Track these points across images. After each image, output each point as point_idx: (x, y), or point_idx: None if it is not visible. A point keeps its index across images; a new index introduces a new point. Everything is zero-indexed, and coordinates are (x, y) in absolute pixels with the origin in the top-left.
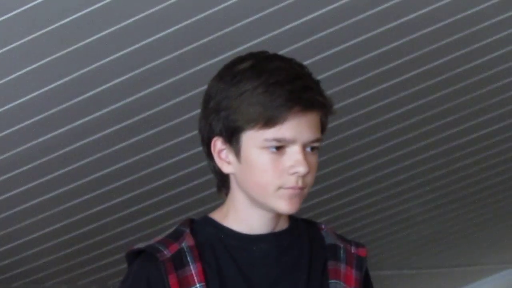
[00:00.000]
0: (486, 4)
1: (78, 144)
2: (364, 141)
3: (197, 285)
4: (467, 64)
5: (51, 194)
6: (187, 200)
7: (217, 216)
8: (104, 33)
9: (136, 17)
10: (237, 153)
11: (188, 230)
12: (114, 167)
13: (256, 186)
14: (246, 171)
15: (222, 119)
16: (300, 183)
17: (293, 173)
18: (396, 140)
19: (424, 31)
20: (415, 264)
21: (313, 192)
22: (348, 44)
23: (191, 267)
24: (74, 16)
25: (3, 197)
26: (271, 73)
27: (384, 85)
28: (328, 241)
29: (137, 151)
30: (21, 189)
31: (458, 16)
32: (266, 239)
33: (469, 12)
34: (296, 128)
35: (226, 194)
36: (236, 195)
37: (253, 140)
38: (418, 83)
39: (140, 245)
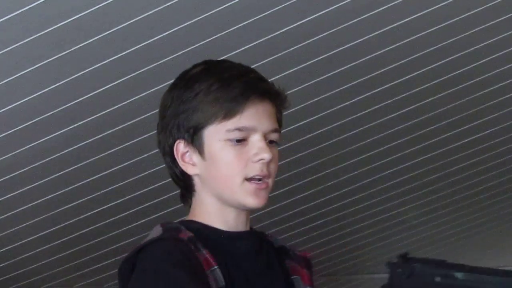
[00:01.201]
0: (479, 9)
1: (73, 148)
2: (359, 144)
3: (215, 267)
4: (462, 68)
5: (46, 197)
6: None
7: (193, 217)
8: (99, 36)
9: (131, 21)
10: (201, 151)
11: (182, 226)
12: (109, 171)
13: (222, 181)
14: (211, 167)
15: (182, 121)
16: (264, 170)
17: (258, 161)
18: (391, 144)
19: (418, 35)
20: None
21: (310, 193)
22: (341, 48)
23: (203, 251)
24: (69, 20)
25: None
26: (224, 70)
27: (378, 90)
28: (277, 244)
29: (133, 154)
30: (16, 192)
31: (452, 21)
32: (244, 237)
33: (463, 16)
34: (255, 117)
35: (190, 198)
36: (204, 197)
37: (215, 134)
38: (412, 88)
39: (151, 238)
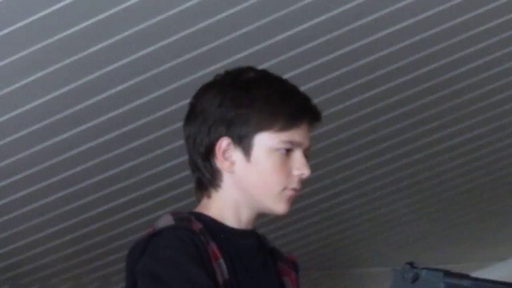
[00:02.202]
0: (468, 15)
1: (80, 149)
2: (353, 145)
3: (221, 260)
4: (452, 72)
5: (56, 196)
6: (188, 200)
7: (204, 210)
8: (106, 43)
9: (136, 28)
10: (247, 153)
11: (193, 217)
12: (116, 170)
13: (261, 184)
14: (253, 169)
15: (235, 122)
16: (300, 185)
17: (298, 175)
18: (383, 145)
19: (408, 42)
20: (402, 261)
21: (305, 192)
22: (335, 54)
23: (212, 244)
24: (77, 28)
25: (11, 198)
26: (280, 82)
27: (370, 93)
28: (270, 245)
29: (138, 154)
30: (27, 191)
31: (439, 29)
32: (248, 235)
33: (452, 23)
34: (303, 134)
35: (208, 192)
36: (230, 194)
37: (268, 141)
38: (403, 91)
39: (163, 225)
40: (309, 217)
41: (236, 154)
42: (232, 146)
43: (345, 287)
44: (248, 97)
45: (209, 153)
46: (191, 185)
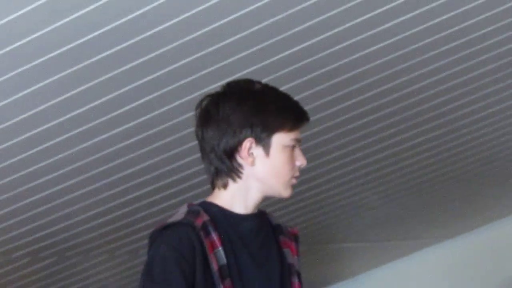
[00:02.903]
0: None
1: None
2: (331, 146)
3: (219, 248)
4: (412, 74)
5: (101, 183)
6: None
7: (214, 200)
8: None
9: (139, 11)
10: (267, 150)
11: (201, 209)
12: (148, 148)
13: (276, 175)
14: (271, 164)
15: (256, 126)
16: (299, 174)
17: (299, 166)
18: (357, 145)
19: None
20: (371, 238)
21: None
22: (311, 59)
23: (213, 234)
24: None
25: (64, 185)
26: (279, 91)
27: (343, 92)
28: (274, 222)
29: (168, 134)
30: (76, 179)
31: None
32: (251, 218)
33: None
34: (299, 132)
35: (223, 183)
36: (249, 184)
37: (282, 139)
38: (372, 89)
39: (173, 219)
40: (296, 203)
41: (257, 151)
42: (254, 145)
43: (325, 259)
44: (265, 105)
45: (233, 151)
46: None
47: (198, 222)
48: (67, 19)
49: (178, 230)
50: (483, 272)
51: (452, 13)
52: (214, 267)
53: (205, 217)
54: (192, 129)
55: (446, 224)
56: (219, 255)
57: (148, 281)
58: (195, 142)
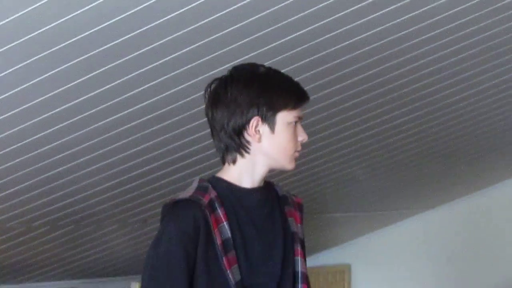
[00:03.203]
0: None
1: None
2: (321, 125)
3: (224, 223)
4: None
5: (115, 157)
6: None
7: (223, 175)
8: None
9: (150, 2)
10: (272, 128)
11: (210, 185)
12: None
13: (281, 150)
14: (276, 139)
15: (262, 106)
16: (300, 148)
17: (301, 140)
18: (346, 124)
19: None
20: (358, 208)
21: None
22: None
23: (219, 210)
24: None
25: (84, 159)
26: (281, 73)
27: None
28: (281, 193)
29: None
30: (92, 155)
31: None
32: (257, 191)
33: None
34: (301, 111)
35: (233, 158)
36: (257, 159)
37: (286, 117)
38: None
39: (183, 196)
40: (290, 177)
41: (263, 129)
42: (260, 123)
43: (316, 228)
44: (270, 86)
45: (242, 129)
46: None
47: (205, 199)
48: (82, 9)
49: (185, 207)
50: (459, 239)
51: (435, 4)
52: (218, 241)
53: (212, 194)
54: (200, 108)
55: (425, 197)
56: (223, 230)
57: (151, 259)
58: (203, 120)
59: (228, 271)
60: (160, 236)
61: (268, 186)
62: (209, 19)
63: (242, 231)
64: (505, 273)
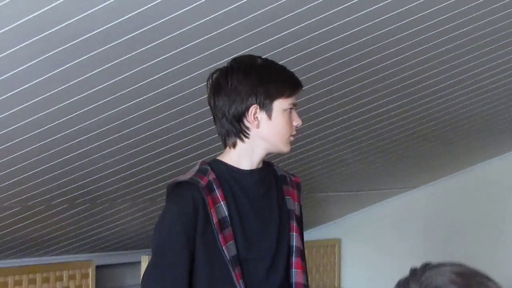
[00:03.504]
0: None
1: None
2: (314, 113)
3: (221, 203)
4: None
5: (125, 143)
6: None
7: (223, 158)
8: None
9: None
10: (269, 114)
11: (209, 168)
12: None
13: (278, 135)
14: (272, 124)
15: (260, 95)
16: (295, 132)
17: (296, 125)
18: (333, 104)
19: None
20: (348, 188)
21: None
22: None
23: (216, 191)
24: None
25: (97, 144)
26: (277, 64)
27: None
28: (279, 173)
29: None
30: (105, 140)
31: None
32: (254, 172)
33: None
34: (296, 98)
35: (233, 143)
36: (256, 144)
37: (281, 104)
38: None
39: (183, 178)
40: (285, 160)
41: (261, 115)
42: (258, 110)
43: (309, 206)
44: (267, 76)
45: (241, 116)
46: None
47: (204, 181)
48: (102, 5)
49: (185, 189)
50: (437, 216)
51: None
52: (214, 220)
53: (211, 176)
54: (204, 96)
55: (408, 178)
56: (220, 209)
57: (156, 236)
58: (206, 108)
59: (224, 247)
60: (163, 215)
61: (267, 167)
62: (213, 16)
63: (239, 210)
64: (473, 244)
